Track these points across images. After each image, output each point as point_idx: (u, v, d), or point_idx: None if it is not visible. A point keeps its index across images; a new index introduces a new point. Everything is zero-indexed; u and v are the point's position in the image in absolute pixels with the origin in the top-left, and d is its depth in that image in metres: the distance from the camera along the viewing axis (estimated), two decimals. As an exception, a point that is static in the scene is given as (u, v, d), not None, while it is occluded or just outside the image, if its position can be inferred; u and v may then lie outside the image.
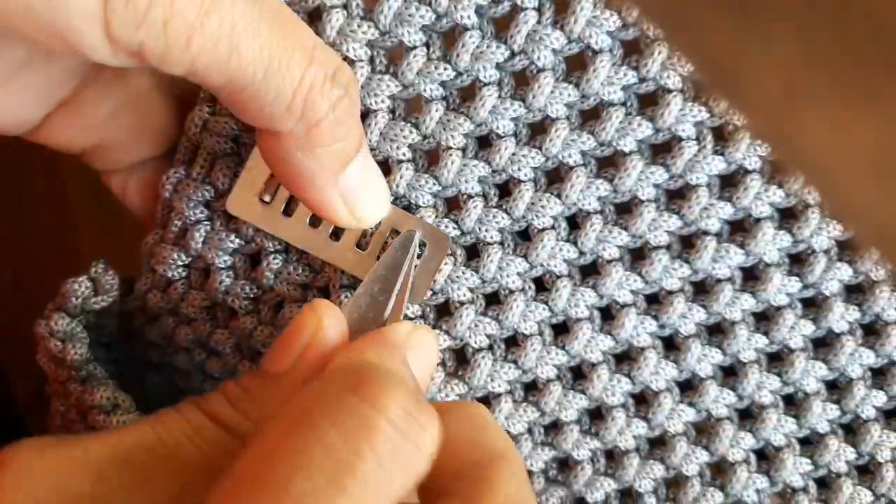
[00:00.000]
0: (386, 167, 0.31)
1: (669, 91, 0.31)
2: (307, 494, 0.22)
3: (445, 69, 0.30)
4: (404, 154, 0.31)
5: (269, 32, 0.24)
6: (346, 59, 0.30)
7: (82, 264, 0.40)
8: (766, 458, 0.34)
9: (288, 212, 0.30)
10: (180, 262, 0.32)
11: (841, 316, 0.33)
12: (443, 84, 0.30)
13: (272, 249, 0.31)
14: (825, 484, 0.34)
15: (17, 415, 0.44)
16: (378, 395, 0.23)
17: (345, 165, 0.28)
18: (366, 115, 0.30)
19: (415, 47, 0.30)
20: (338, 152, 0.27)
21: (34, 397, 0.33)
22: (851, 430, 0.34)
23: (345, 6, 0.29)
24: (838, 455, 0.34)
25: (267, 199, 0.30)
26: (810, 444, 0.34)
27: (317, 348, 0.26)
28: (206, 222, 0.31)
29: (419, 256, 0.31)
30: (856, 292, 0.33)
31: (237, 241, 0.31)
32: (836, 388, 0.34)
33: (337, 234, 0.31)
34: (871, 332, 0.34)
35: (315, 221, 0.31)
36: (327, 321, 0.27)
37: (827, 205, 0.32)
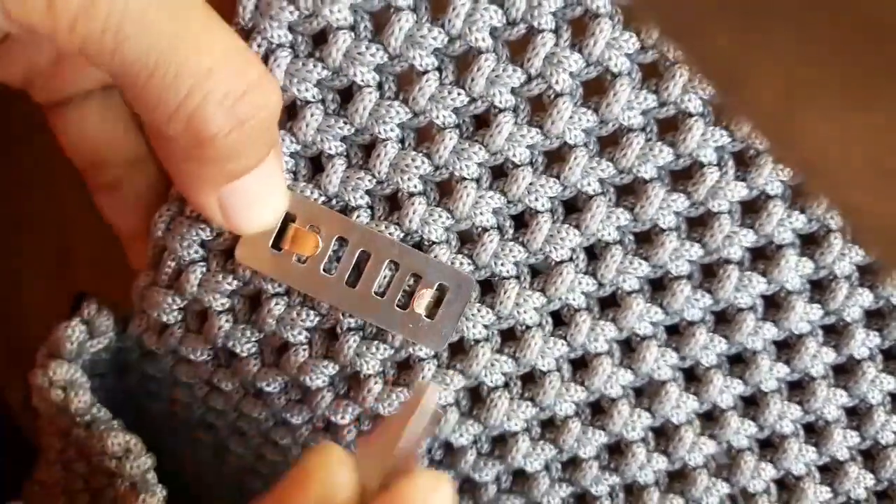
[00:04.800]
0: (395, 201, 0.29)
1: (691, 115, 0.29)
2: None
3: (459, 95, 0.28)
4: (415, 186, 0.29)
5: (164, 35, 0.22)
6: (353, 84, 0.28)
7: (77, 276, 0.37)
8: (786, 487, 0.33)
9: (301, 259, 0.28)
10: (175, 306, 0.29)
11: (862, 342, 0.32)
12: (456, 111, 0.28)
13: (273, 292, 0.29)
14: (845, 511, 0.34)
15: (9, 415, 0.43)
16: None
17: (230, 180, 0.26)
18: (373, 144, 0.28)
19: (427, 71, 0.28)
20: (225, 170, 0.25)
21: (24, 402, 0.31)
22: (871, 456, 0.34)
23: (352, 27, 0.27)
24: (858, 482, 0.33)
25: (279, 246, 0.28)
26: (829, 471, 0.33)
27: None
28: (201, 263, 0.29)
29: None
30: (875, 317, 0.32)
31: (235, 282, 0.29)
32: (856, 415, 0.33)
33: (352, 280, 0.29)
34: (891, 356, 0.33)
35: (328, 268, 0.29)
36: (337, 477, 0.23)
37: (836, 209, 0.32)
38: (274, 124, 0.25)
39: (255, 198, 0.26)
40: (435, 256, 0.29)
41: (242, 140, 0.24)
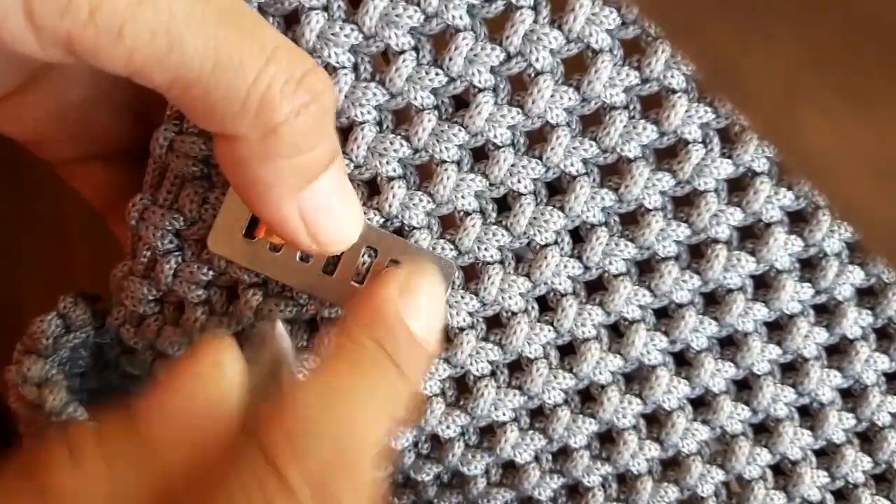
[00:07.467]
0: (374, 185, 0.28)
1: (674, 91, 0.29)
2: None
3: (437, 75, 0.27)
4: (394, 170, 0.28)
5: (217, 26, 0.22)
6: (327, 66, 0.27)
7: (75, 275, 0.37)
8: (782, 472, 0.33)
9: (275, 247, 0.28)
10: (151, 297, 0.29)
11: (854, 321, 0.31)
12: (434, 92, 0.28)
13: (249, 282, 0.28)
14: (842, 495, 0.33)
15: (6, 416, 0.42)
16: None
17: (309, 181, 0.25)
18: (350, 128, 0.28)
19: (403, 51, 0.27)
20: (300, 166, 0.24)
21: None
22: (867, 439, 0.33)
23: (325, 7, 0.27)
24: (855, 465, 0.33)
25: (252, 234, 0.27)
26: (825, 454, 0.33)
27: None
28: (176, 253, 0.28)
29: None
30: (867, 295, 0.32)
31: (210, 272, 0.28)
32: (851, 396, 0.33)
33: (330, 268, 0.28)
34: (884, 335, 0.32)
35: (305, 256, 0.28)
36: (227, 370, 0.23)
37: (827, 204, 0.31)
38: (333, 113, 0.25)
39: (335, 204, 0.26)
40: (416, 242, 0.28)
41: (309, 125, 0.23)
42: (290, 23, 0.27)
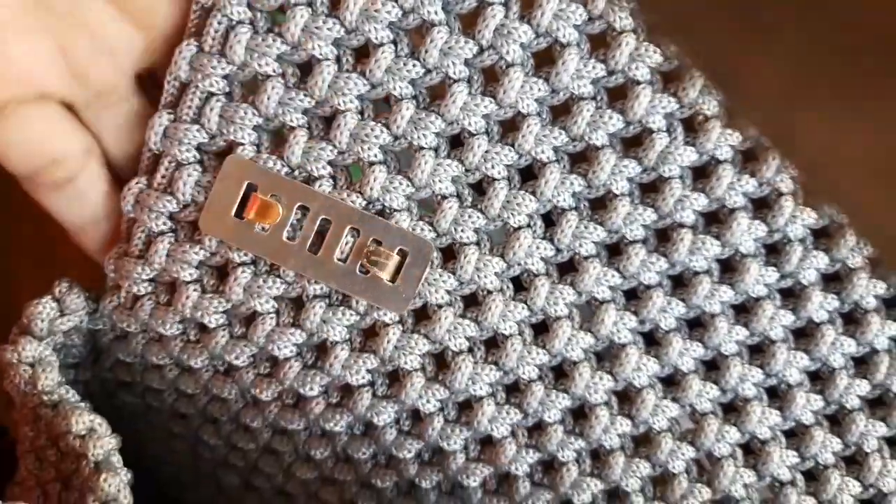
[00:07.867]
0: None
1: (638, 83, 0.30)
2: None
3: (414, 66, 0.29)
4: (375, 155, 0.30)
5: None
6: (312, 58, 0.29)
7: (68, 267, 0.39)
8: (752, 451, 0.34)
9: (263, 227, 0.30)
10: (145, 277, 0.30)
11: (820, 305, 0.33)
12: (412, 82, 0.30)
13: (238, 261, 0.30)
14: (813, 476, 0.34)
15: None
16: None
17: None
18: (334, 116, 0.30)
19: (382, 44, 0.29)
20: None
21: (10, 401, 0.32)
22: (836, 421, 0.34)
23: (309, 3, 0.29)
24: (825, 446, 0.34)
25: (242, 215, 0.29)
26: (796, 436, 0.34)
27: None
28: (169, 234, 0.30)
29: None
30: (834, 281, 0.33)
31: (202, 252, 0.30)
32: (820, 379, 0.34)
33: (315, 247, 0.30)
34: (851, 320, 0.33)
35: (292, 236, 0.30)
36: None
37: (825, 203, 0.32)
38: None
39: None
40: (396, 223, 0.30)
41: None
42: (276, 17, 0.29)
